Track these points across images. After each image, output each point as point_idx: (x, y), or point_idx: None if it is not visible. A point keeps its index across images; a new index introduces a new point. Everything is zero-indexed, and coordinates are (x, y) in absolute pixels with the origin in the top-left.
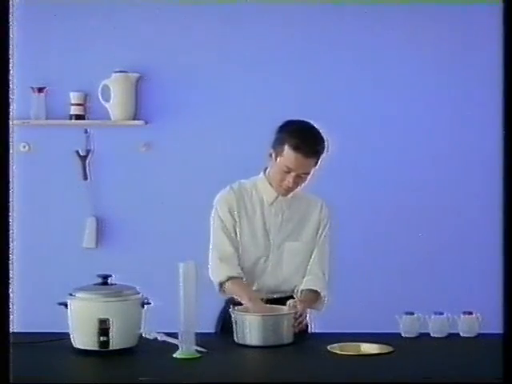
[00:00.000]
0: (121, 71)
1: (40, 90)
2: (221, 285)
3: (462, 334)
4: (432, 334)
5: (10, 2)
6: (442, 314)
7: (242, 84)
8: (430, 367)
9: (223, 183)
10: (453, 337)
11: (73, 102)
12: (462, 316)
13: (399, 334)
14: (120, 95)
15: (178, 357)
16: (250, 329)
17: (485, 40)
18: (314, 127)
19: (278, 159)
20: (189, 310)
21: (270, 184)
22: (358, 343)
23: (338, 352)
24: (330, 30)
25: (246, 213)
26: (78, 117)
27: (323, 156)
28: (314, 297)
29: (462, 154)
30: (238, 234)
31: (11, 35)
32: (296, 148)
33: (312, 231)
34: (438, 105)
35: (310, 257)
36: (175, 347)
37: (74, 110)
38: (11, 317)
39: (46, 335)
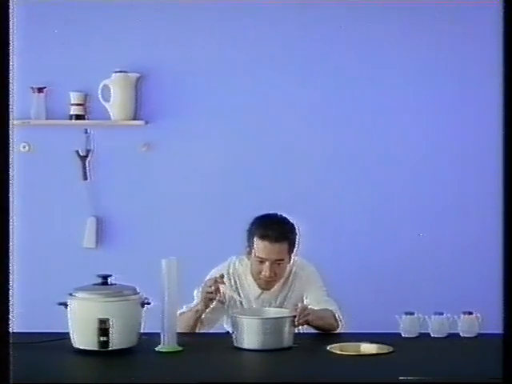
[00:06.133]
0: (121, 71)
1: (40, 89)
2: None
3: (461, 334)
4: (432, 334)
5: (10, 2)
6: (441, 314)
7: (243, 84)
8: (430, 367)
9: (223, 183)
10: (453, 337)
11: (73, 102)
12: (462, 316)
13: (399, 334)
14: (120, 95)
15: (161, 350)
16: (248, 332)
17: (484, 39)
18: (277, 215)
19: (253, 252)
20: (171, 305)
21: (255, 280)
22: (357, 343)
23: (337, 352)
24: (329, 28)
25: (235, 300)
26: (78, 117)
27: (297, 241)
28: (327, 312)
29: (462, 154)
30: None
31: (11, 35)
32: (262, 236)
33: (297, 301)
34: (437, 104)
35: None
36: None
37: (74, 110)
38: (11, 317)
39: (45, 335)
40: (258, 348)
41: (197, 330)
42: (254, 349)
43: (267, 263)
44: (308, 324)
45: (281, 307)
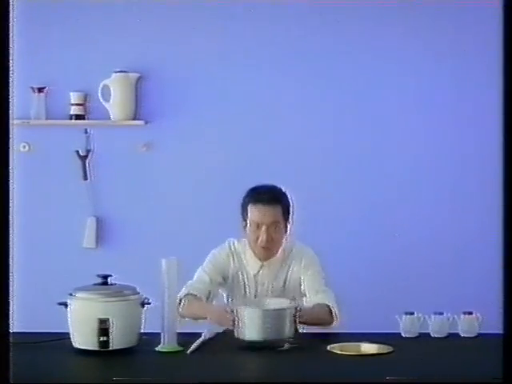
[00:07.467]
0: (121, 71)
1: (40, 89)
2: (180, 302)
3: (461, 334)
4: (432, 334)
5: (10, 2)
6: (441, 314)
7: (242, 83)
8: (430, 367)
9: (223, 183)
10: (453, 337)
11: (73, 102)
12: (462, 316)
13: (399, 334)
14: (120, 95)
15: (161, 350)
16: (249, 323)
17: (485, 38)
18: (269, 184)
19: (248, 223)
20: (171, 305)
21: (254, 253)
22: (357, 343)
23: (338, 352)
24: (329, 27)
25: (238, 278)
26: (78, 117)
27: (291, 208)
28: (322, 310)
29: (461, 154)
30: (225, 296)
31: (11, 35)
32: (255, 201)
33: (297, 284)
34: (437, 102)
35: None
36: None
37: (74, 110)
38: (11, 317)
39: (46, 335)
40: (259, 339)
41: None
42: (255, 340)
43: (263, 228)
44: (303, 323)
45: (282, 290)
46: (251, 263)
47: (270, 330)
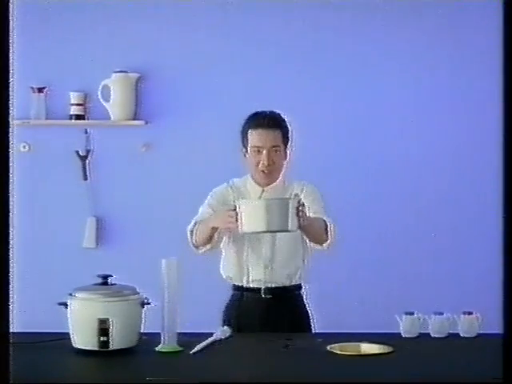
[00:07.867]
0: (121, 71)
1: (40, 89)
2: (191, 233)
3: (461, 334)
4: (432, 334)
5: (10, 2)
6: (441, 314)
7: (242, 83)
8: (430, 367)
9: (223, 183)
10: (453, 337)
11: (73, 102)
12: (462, 316)
13: (399, 334)
14: (120, 95)
15: (161, 350)
16: (254, 214)
17: (485, 36)
18: (268, 110)
19: (248, 148)
20: (171, 305)
21: (255, 180)
22: (357, 343)
23: (337, 352)
24: (329, 26)
25: None
26: (78, 117)
27: (290, 134)
28: (320, 223)
29: (462, 154)
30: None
31: (11, 35)
32: (255, 126)
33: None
34: (437, 102)
35: (302, 243)
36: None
37: (74, 110)
38: (11, 317)
39: (46, 335)
40: (262, 230)
41: (214, 239)
42: (259, 231)
43: (264, 152)
44: (299, 227)
45: None
46: (252, 191)
47: (273, 220)
